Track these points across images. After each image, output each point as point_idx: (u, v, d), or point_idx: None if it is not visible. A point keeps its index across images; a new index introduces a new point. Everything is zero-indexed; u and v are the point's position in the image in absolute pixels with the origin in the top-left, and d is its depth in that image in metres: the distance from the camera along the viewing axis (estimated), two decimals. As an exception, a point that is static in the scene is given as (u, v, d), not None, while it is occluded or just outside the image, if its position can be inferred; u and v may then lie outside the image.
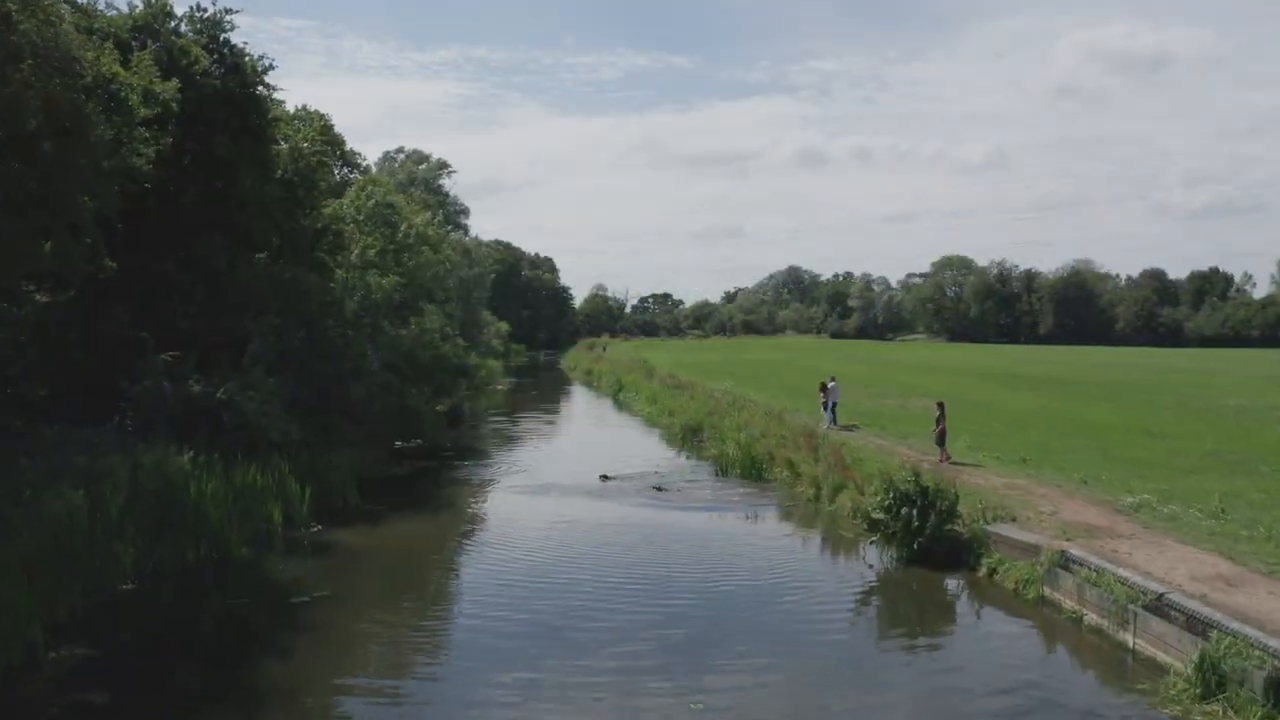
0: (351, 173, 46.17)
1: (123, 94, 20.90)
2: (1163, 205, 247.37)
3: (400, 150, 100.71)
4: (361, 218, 32.75)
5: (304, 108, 47.02)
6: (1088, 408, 38.32)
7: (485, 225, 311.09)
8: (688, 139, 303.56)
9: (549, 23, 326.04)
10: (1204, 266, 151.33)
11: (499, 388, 68.22)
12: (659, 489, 25.33)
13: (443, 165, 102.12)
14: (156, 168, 25.02)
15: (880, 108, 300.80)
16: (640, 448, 36.14)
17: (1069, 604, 14.96)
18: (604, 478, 26.69)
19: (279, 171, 30.87)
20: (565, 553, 19.32)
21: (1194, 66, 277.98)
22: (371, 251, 32.77)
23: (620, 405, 54.29)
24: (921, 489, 17.67)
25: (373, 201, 33.25)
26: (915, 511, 17.46)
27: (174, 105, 24.64)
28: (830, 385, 31.98)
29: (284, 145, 31.69)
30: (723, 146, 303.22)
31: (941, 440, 24.22)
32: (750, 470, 27.50)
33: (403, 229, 33.71)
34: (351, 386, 24.88)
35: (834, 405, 31.31)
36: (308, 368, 24.27)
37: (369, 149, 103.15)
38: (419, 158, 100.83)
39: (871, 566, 18.15)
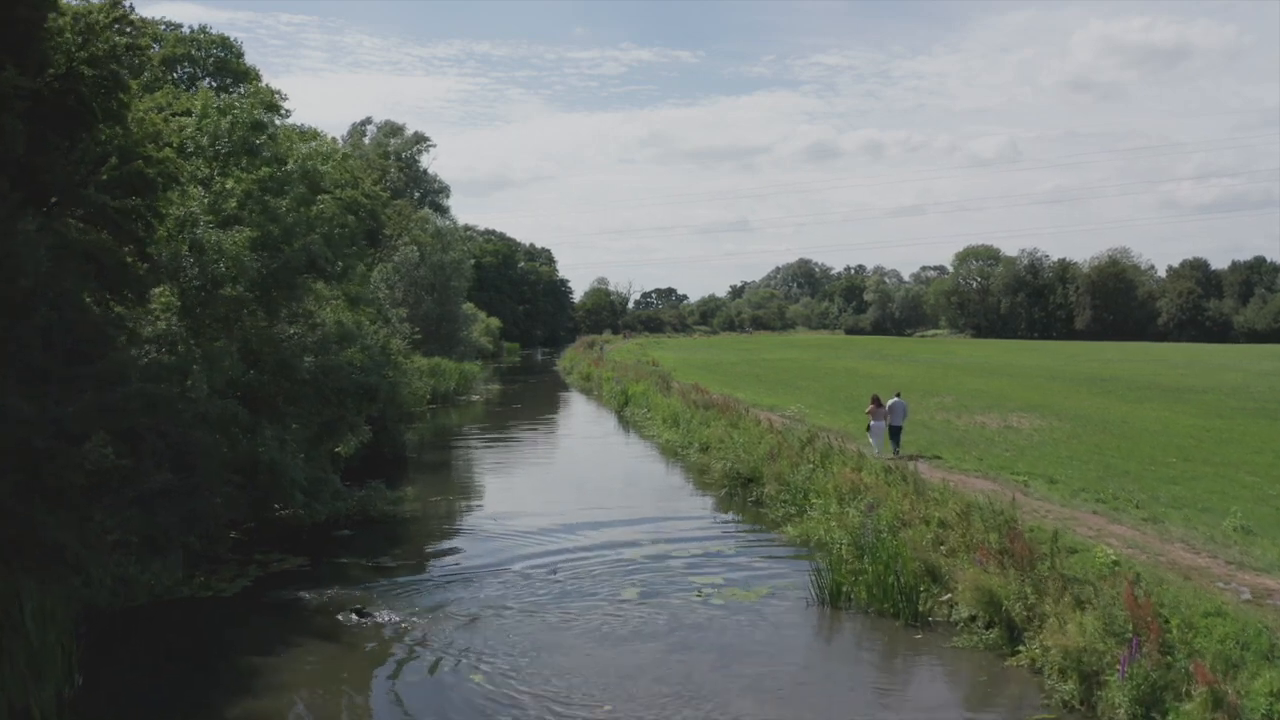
0: (271, 117, 33.29)
1: None
2: (1173, 198, 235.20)
3: (369, 120, 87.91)
4: (206, 142, 20.11)
5: (204, 28, 36.31)
6: (1263, 431, 27.61)
7: (491, 221, 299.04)
8: (693, 134, 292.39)
9: (551, 18, 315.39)
10: (1209, 259, 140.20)
11: (475, 399, 55.35)
12: (359, 613, 14.96)
13: (420, 139, 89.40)
14: None
15: (885, 102, 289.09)
16: (658, 502, 23.73)
17: None
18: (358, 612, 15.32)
19: (57, 63, 18.41)
20: None
21: (1211, 60, 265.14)
22: (232, 201, 20.14)
23: (627, 423, 41.57)
24: None
25: (228, 119, 20.50)
26: None
27: None
28: (893, 402, 24.63)
29: (64, 18, 19.27)
30: (729, 141, 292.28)
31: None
32: (894, 601, 14.12)
33: (290, 164, 21.03)
34: (69, 451, 11.86)
35: (899, 429, 24.39)
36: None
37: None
38: (391, 129, 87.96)
39: None
